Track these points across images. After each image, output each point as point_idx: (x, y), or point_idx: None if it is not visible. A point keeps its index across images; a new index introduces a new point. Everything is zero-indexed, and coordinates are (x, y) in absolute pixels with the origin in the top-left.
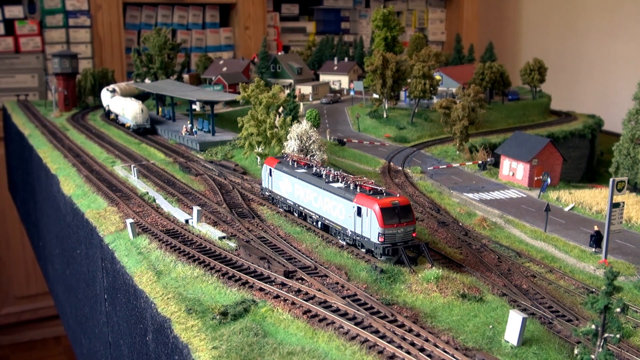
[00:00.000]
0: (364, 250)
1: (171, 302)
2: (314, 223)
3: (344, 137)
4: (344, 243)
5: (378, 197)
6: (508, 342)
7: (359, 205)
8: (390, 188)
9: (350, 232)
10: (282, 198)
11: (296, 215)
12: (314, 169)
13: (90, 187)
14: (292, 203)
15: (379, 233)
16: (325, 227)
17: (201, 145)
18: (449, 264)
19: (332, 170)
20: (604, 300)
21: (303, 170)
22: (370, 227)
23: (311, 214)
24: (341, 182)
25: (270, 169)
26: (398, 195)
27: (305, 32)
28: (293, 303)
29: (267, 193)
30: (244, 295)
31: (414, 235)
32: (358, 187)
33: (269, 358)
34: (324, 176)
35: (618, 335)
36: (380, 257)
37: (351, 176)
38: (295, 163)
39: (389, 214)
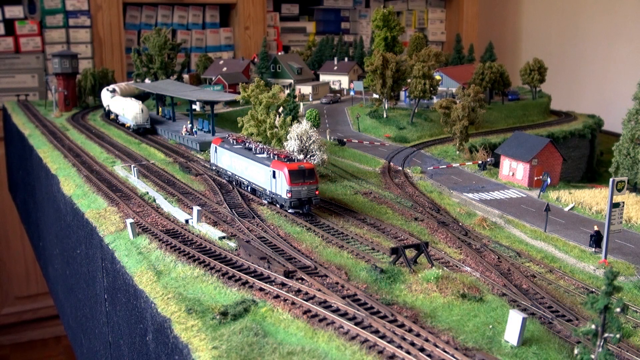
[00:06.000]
0: (278, 205)
1: (171, 302)
2: (246, 188)
3: (344, 137)
4: (266, 202)
5: (288, 162)
6: (508, 342)
7: (274, 169)
8: (390, 188)
9: (269, 192)
10: (224, 170)
11: (234, 183)
12: (246, 144)
13: (90, 187)
14: (230, 174)
15: (287, 190)
16: (254, 191)
17: (201, 145)
18: (449, 263)
19: (259, 144)
20: (604, 300)
21: (239, 146)
22: (281, 186)
23: (243, 180)
24: (264, 154)
25: (216, 147)
26: (305, 161)
27: (305, 32)
28: (293, 303)
29: (213, 167)
30: (244, 295)
31: (317, 193)
32: (276, 157)
33: (269, 358)
34: (252, 149)
35: (618, 335)
36: (289, 210)
37: (273, 149)
38: (235, 141)
39: (295, 175)
